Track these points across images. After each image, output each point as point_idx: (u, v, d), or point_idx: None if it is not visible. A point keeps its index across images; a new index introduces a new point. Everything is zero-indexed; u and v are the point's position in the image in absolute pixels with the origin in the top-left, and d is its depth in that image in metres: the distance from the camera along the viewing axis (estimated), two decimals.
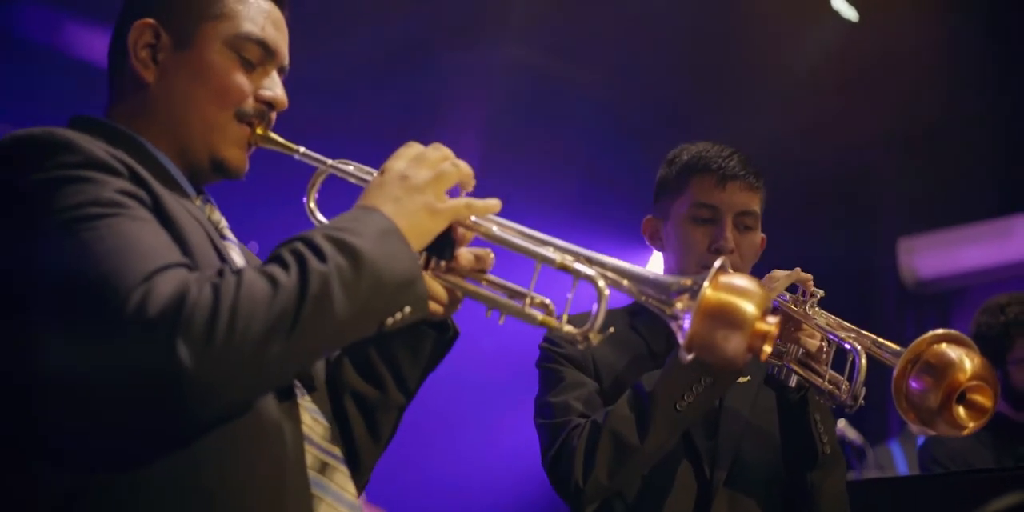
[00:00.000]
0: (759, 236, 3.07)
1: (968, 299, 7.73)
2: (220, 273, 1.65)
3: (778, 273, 2.81)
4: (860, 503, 3.02)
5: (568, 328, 1.85)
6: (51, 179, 1.69)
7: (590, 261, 1.88)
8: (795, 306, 2.78)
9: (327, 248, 1.67)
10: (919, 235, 8.12)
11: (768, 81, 7.41)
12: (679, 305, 1.80)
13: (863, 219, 8.37)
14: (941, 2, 7.07)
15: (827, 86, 7.42)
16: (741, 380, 2.94)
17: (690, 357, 1.81)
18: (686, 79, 7.59)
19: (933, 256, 7.99)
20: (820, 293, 2.79)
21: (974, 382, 2.64)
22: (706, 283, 1.77)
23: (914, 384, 2.65)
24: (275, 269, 1.65)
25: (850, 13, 6.93)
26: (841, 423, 4.91)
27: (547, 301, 1.90)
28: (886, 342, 2.73)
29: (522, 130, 7.54)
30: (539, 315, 1.87)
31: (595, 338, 1.84)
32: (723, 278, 1.80)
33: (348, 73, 7.17)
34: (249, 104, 2.04)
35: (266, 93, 2.06)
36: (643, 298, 1.85)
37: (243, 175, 2.10)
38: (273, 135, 2.09)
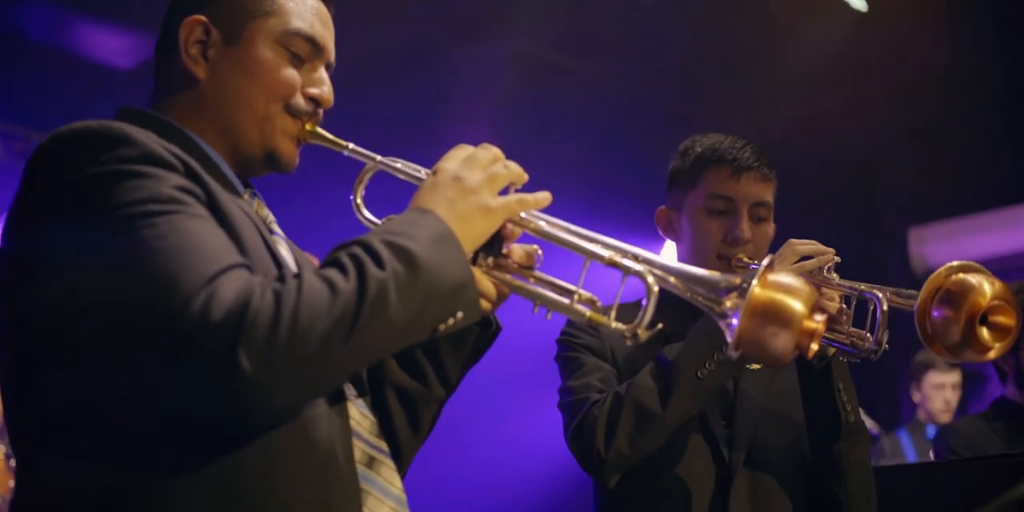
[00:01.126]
0: (772, 227, 3.10)
1: None
2: (281, 277, 1.66)
3: (796, 242, 2.85)
4: (877, 491, 3.03)
5: (616, 324, 1.86)
6: (110, 173, 1.70)
7: (637, 258, 1.89)
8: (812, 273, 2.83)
9: (384, 253, 1.68)
10: (929, 225, 8.14)
11: (775, 73, 7.42)
12: (728, 303, 1.81)
13: (873, 210, 8.39)
14: None
15: (834, 78, 7.43)
16: (754, 366, 2.98)
17: (737, 354, 1.83)
18: (692, 73, 7.60)
19: (943, 245, 8.00)
20: (836, 259, 2.83)
21: (995, 302, 2.67)
22: (755, 281, 1.78)
23: (936, 313, 2.69)
24: (334, 274, 1.66)
25: (859, 3, 6.92)
26: None
27: (594, 297, 1.91)
28: (904, 290, 2.78)
29: (530, 124, 7.55)
30: (587, 311, 1.88)
31: (643, 334, 1.85)
32: (771, 276, 1.81)
33: (358, 69, 7.17)
34: (298, 99, 2.06)
35: (313, 91, 2.08)
36: (691, 295, 1.86)
37: (293, 168, 2.11)
38: (322, 131, 2.11)
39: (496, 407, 7.46)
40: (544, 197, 1.93)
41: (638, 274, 1.84)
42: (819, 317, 1.81)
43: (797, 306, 1.78)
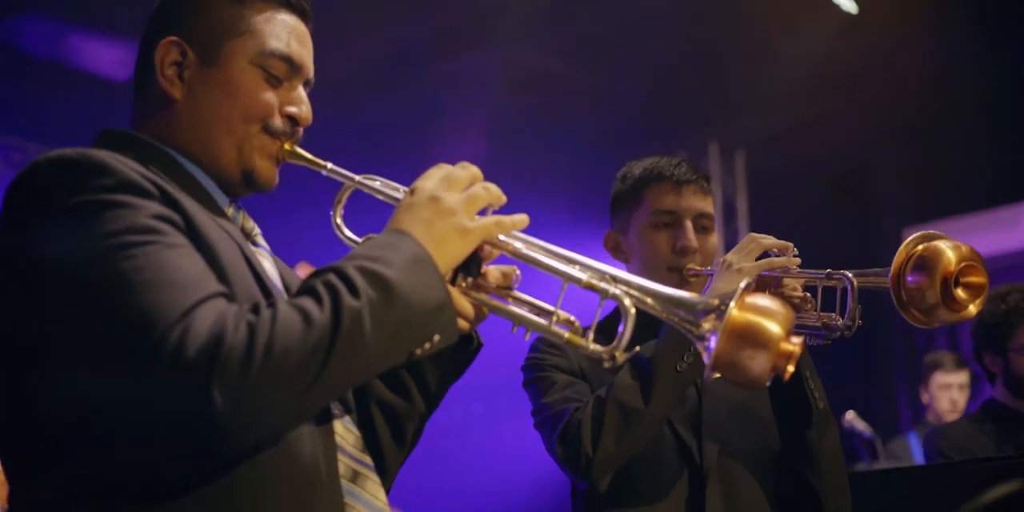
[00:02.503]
0: (716, 237, 3.18)
1: None
2: (255, 308, 1.67)
3: (758, 236, 2.91)
4: (867, 494, 3.07)
5: (595, 346, 1.87)
6: (87, 203, 1.71)
7: (615, 280, 1.90)
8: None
9: (359, 281, 1.69)
10: (923, 225, 8.12)
11: (768, 78, 7.45)
12: (706, 325, 1.82)
13: (868, 211, 8.40)
14: None
15: (826, 80, 7.46)
16: (717, 374, 3.01)
17: (716, 376, 1.85)
18: (686, 79, 7.62)
19: None
20: (797, 258, 2.89)
21: (965, 263, 2.74)
22: (732, 303, 1.79)
23: (911, 279, 2.75)
24: (308, 304, 1.67)
25: (850, 6, 6.95)
26: (850, 415, 4.95)
27: (572, 318, 1.92)
28: (869, 270, 2.84)
29: (522, 133, 7.57)
30: (565, 333, 1.89)
31: (621, 356, 1.86)
32: (748, 298, 1.82)
33: (351, 79, 7.20)
34: (276, 119, 2.06)
35: (292, 109, 2.07)
36: (669, 317, 1.87)
37: (273, 187, 2.11)
38: (300, 150, 2.10)
39: (492, 417, 7.49)
40: (522, 219, 1.93)
41: (615, 297, 1.85)
42: (796, 340, 1.82)
43: (774, 328, 1.79)
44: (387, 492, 2.16)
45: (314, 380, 1.63)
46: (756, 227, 8.56)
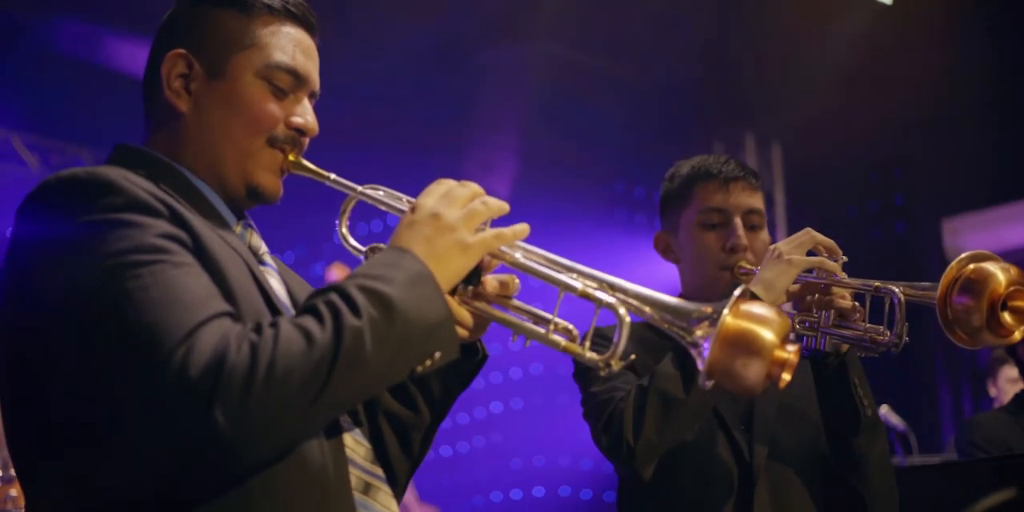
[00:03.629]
0: (767, 235, 3.14)
1: None
2: (258, 328, 1.69)
3: (814, 231, 2.89)
4: (902, 490, 3.04)
5: (590, 355, 1.88)
6: (95, 222, 1.73)
7: (613, 288, 1.91)
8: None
9: (361, 300, 1.70)
10: (963, 215, 8.08)
11: (804, 68, 7.41)
12: (699, 333, 1.82)
13: (905, 202, 8.33)
14: None
15: (862, 71, 7.39)
16: None
17: (710, 384, 1.84)
18: (720, 72, 7.59)
19: (979, 236, 7.93)
20: (844, 258, 2.86)
21: (1014, 287, 2.70)
22: (726, 311, 1.79)
23: (957, 301, 2.71)
24: (310, 323, 1.68)
25: None
26: (883, 409, 4.90)
27: (571, 326, 1.93)
28: (917, 283, 2.79)
29: (557, 126, 7.57)
30: (562, 341, 1.90)
31: (616, 365, 1.86)
32: (743, 306, 1.82)
33: (387, 74, 7.23)
34: (281, 130, 2.08)
35: (297, 120, 2.09)
36: (664, 325, 1.87)
37: (277, 200, 2.13)
38: (304, 162, 2.13)
39: (519, 416, 7.51)
40: (522, 229, 1.94)
41: (609, 306, 1.85)
42: (791, 347, 1.82)
43: (768, 336, 1.79)
44: (398, 502, 2.18)
45: (316, 399, 1.65)
46: (793, 219, 8.52)
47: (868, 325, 2.80)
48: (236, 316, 1.75)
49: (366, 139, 7.10)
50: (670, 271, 3.27)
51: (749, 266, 3.00)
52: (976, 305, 2.69)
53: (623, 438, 2.76)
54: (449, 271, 1.85)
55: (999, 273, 2.70)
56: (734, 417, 2.93)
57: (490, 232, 1.92)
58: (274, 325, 1.69)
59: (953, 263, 2.74)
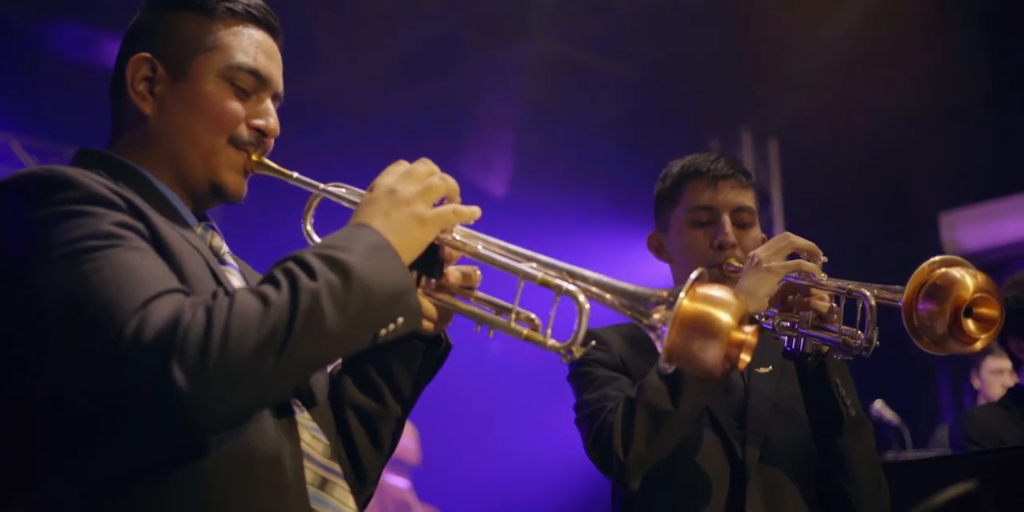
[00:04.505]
0: (758, 232, 3.14)
1: (1014, 270, 7.67)
2: (214, 295, 1.72)
3: (792, 235, 2.89)
4: (896, 484, 3.05)
5: (552, 342, 1.89)
6: (52, 214, 1.78)
7: (572, 275, 1.93)
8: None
9: (317, 265, 1.73)
10: (960, 209, 8.08)
11: (798, 63, 7.41)
12: (656, 316, 1.84)
13: (903, 197, 8.33)
14: None
15: (858, 63, 7.40)
16: (763, 370, 3.02)
17: (671, 368, 1.86)
18: (717, 68, 7.60)
19: (976, 229, 7.94)
20: (824, 259, 2.87)
21: (980, 294, 2.69)
22: (682, 294, 1.81)
23: (922, 307, 2.71)
24: (267, 288, 1.72)
25: None
26: (878, 404, 4.92)
27: (533, 316, 1.95)
28: (891, 286, 2.79)
29: (554, 125, 7.58)
30: (524, 330, 1.92)
31: (577, 351, 1.87)
32: (700, 289, 1.84)
33: (383, 74, 7.26)
34: (243, 130, 2.11)
35: (258, 122, 2.12)
36: (624, 311, 1.89)
37: (241, 199, 2.16)
38: (267, 161, 2.15)
39: (527, 412, 7.51)
40: (476, 210, 1.98)
41: (568, 293, 1.87)
42: (748, 328, 1.84)
43: (724, 317, 1.81)
44: (369, 498, 2.22)
45: (276, 359, 1.67)
46: (790, 215, 8.52)
47: (844, 328, 2.81)
48: (190, 295, 1.77)
49: (363, 138, 7.13)
50: (665, 270, 3.28)
51: (738, 263, 3.01)
52: (940, 311, 2.68)
53: (613, 452, 2.77)
54: (407, 243, 1.88)
55: (965, 279, 2.69)
56: (727, 415, 2.94)
57: (447, 207, 1.95)
58: (230, 293, 1.72)
59: (922, 266, 2.74)
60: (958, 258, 2.80)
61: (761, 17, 7.17)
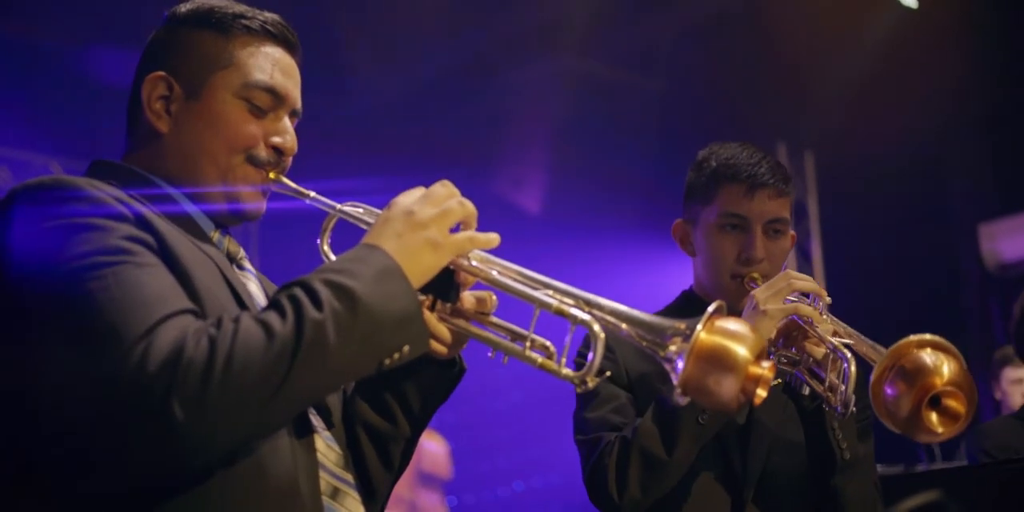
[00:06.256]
0: (789, 238, 3.07)
1: None
2: (219, 323, 1.71)
3: (793, 275, 2.82)
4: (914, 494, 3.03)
5: (566, 372, 1.89)
6: (60, 227, 1.78)
7: (588, 304, 1.92)
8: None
9: (324, 293, 1.72)
10: (1000, 220, 7.99)
11: (833, 73, 7.36)
12: (672, 348, 1.82)
13: (940, 207, 8.26)
14: None
15: (890, 77, 7.34)
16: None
17: (685, 401, 1.85)
18: (751, 80, 7.56)
19: (1016, 240, 7.85)
20: (828, 300, 2.81)
21: (948, 388, 2.61)
22: (699, 327, 1.79)
23: (888, 390, 2.65)
24: (272, 317, 1.71)
25: (908, 0, 6.84)
26: None
27: (548, 343, 1.94)
28: (879, 347, 2.73)
29: (586, 142, 7.58)
30: (539, 358, 1.91)
31: (592, 381, 1.87)
32: (718, 322, 1.82)
33: (415, 91, 7.28)
34: (261, 149, 2.11)
35: (276, 140, 2.12)
36: (640, 341, 1.88)
37: (259, 216, 2.17)
38: (285, 180, 2.15)
39: (553, 432, 7.50)
40: (494, 237, 1.96)
41: (583, 323, 1.86)
42: (765, 363, 1.82)
43: (742, 351, 1.79)
44: (377, 511, 2.20)
45: (277, 391, 1.67)
46: (827, 227, 8.45)
47: (832, 379, 2.74)
48: (199, 314, 1.78)
49: (398, 155, 7.16)
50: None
51: (759, 281, 2.94)
52: (906, 395, 2.62)
53: (609, 493, 2.77)
54: (419, 267, 1.86)
55: (939, 367, 2.62)
56: (731, 443, 2.91)
57: (463, 234, 1.94)
58: (236, 320, 1.71)
59: (904, 341, 2.67)
60: (943, 341, 2.71)
61: (795, 30, 7.13)
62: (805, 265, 8.33)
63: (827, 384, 2.75)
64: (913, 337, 2.68)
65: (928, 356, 2.65)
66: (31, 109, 6.86)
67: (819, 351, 2.78)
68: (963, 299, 7.89)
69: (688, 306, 3.08)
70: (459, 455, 7.57)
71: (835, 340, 2.73)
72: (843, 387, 2.68)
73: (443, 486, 7.45)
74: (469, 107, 7.54)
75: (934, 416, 2.63)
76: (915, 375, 2.63)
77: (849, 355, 2.69)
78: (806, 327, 2.77)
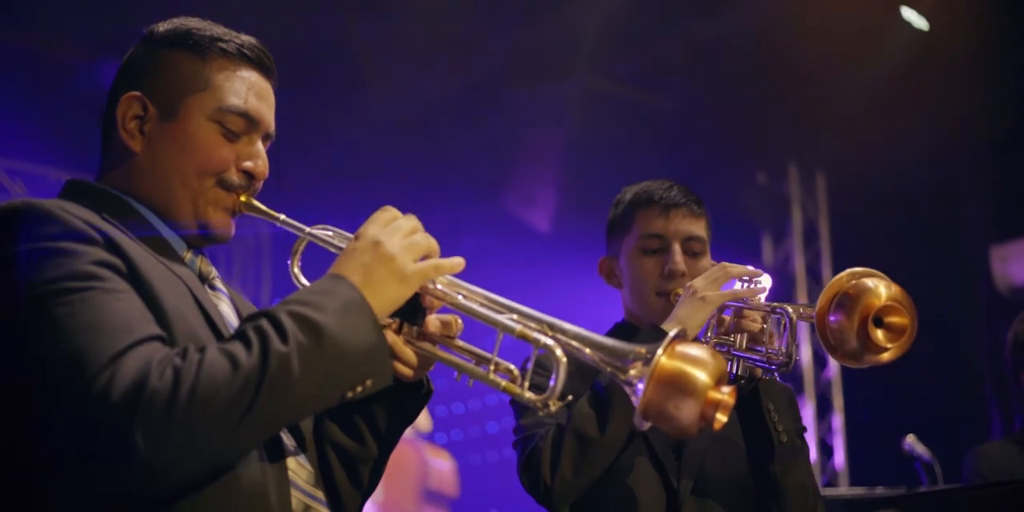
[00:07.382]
0: (709, 262, 3.14)
1: None
2: (184, 353, 1.72)
3: (728, 265, 2.92)
4: None
5: (529, 395, 1.90)
6: (29, 251, 1.78)
7: (552, 328, 1.93)
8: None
9: (289, 326, 1.74)
10: (1011, 242, 7.95)
11: (843, 97, 7.35)
12: (633, 372, 1.83)
13: (952, 229, 8.23)
14: (1007, 3, 6.94)
15: (903, 99, 7.32)
16: None
17: (647, 425, 1.85)
18: (763, 103, 7.56)
19: None
20: (767, 282, 2.91)
21: (888, 303, 2.67)
22: (660, 351, 1.80)
23: (833, 319, 2.70)
24: (237, 348, 1.72)
25: (920, 22, 6.84)
26: (910, 438, 4.86)
27: (512, 367, 1.96)
28: (811, 305, 2.80)
29: (600, 161, 7.59)
30: (503, 381, 1.93)
31: (554, 405, 1.88)
32: (679, 347, 1.83)
33: (429, 111, 7.32)
34: (232, 173, 2.12)
35: (247, 164, 2.13)
36: (602, 366, 1.89)
37: (228, 239, 2.18)
38: (255, 202, 2.17)
39: None
40: (458, 262, 1.97)
41: (546, 347, 1.88)
42: (726, 388, 1.82)
43: (702, 376, 1.80)
44: None
45: (239, 423, 1.68)
46: (838, 249, 8.44)
47: (771, 348, 2.84)
48: (167, 340, 1.79)
49: (409, 174, 7.19)
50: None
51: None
52: (849, 321, 2.67)
53: (541, 477, 2.80)
54: (385, 299, 1.88)
55: (878, 288, 2.68)
56: (664, 445, 2.96)
57: (429, 262, 1.95)
58: (201, 350, 1.72)
59: (839, 276, 2.74)
60: (873, 270, 2.78)
61: (807, 52, 7.13)
62: (816, 287, 8.31)
63: (766, 351, 2.83)
64: (846, 271, 2.76)
65: (865, 281, 2.71)
66: (46, 124, 6.92)
67: (754, 326, 2.88)
68: (974, 322, 7.85)
69: (621, 336, 3.11)
70: (465, 473, 7.58)
71: (775, 303, 2.83)
72: (786, 337, 2.79)
73: (450, 504, 7.45)
74: (481, 127, 7.57)
75: (880, 333, 2.67)
76: (856, 298, 2.68)
77: (789, 309, 2.79)
78: (740, 305, 2.88)
